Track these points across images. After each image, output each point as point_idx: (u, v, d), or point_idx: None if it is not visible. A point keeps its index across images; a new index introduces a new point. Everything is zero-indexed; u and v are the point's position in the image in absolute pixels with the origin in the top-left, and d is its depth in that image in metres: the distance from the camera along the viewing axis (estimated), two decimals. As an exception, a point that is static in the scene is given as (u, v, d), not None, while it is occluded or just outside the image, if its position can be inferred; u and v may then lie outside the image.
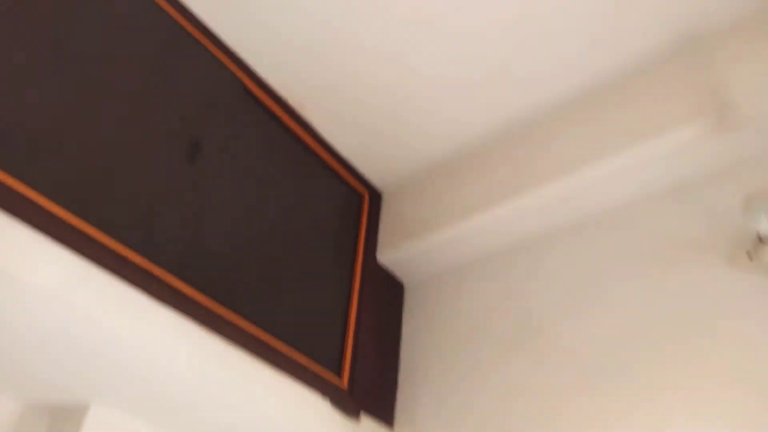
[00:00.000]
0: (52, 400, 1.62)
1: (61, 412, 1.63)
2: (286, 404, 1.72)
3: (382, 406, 2.11)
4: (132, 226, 1.50)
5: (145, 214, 1.56)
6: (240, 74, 2.08)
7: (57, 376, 1.53)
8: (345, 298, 2.20)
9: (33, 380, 1.56)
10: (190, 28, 1.94)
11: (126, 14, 1.75)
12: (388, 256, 2.36)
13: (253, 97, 2.15)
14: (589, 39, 1.95)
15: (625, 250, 1.90)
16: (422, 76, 2.12)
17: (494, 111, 2.21)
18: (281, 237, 2.04)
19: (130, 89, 1.66)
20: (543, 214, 2.07)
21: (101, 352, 1.44)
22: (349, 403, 1.93)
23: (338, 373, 1.98)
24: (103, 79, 1.59)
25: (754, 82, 1.67)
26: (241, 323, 1.68)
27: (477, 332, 2.08)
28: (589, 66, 2.02)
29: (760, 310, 1.55)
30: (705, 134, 1.74)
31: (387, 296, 2.39)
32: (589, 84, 2.07)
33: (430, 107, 2.22)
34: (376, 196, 2.59)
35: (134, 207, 1.54)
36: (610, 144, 1.88)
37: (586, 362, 1.76)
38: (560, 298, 1.95)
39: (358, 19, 1.96)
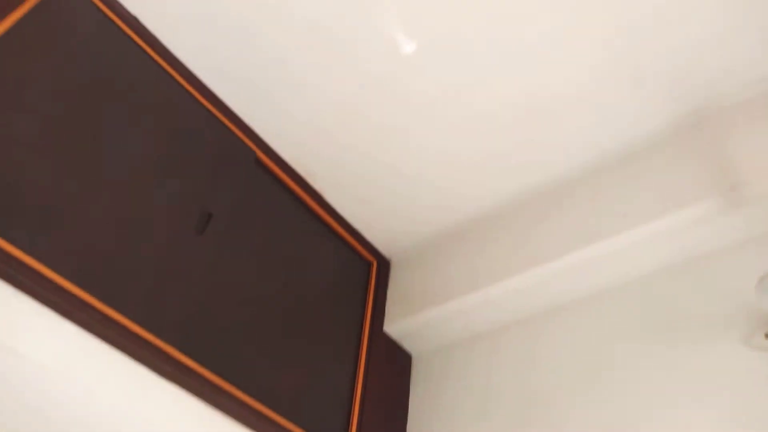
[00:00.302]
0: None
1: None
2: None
3: (388, 486, 2.04)
4: (138, 299, 1.49)
5: (151, 287, 1.55)
6: (252, 146, 2.12)
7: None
8: (351, 370, 2.16)
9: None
10: (204, 101, 2.00)
11: (141, 86, 1.80)
12: (395, 326, 2.32)
13: (264, 168, 2.18)
14: (598, 116, 1.98)
15: (638, 325, 1.85)
16: (430, 152, 2.15)
17: (502, 184, 2.23)
18: (288, 307, 2.02)
19: (143, 161, 1.69)
20: (553, 287, 2.05)
21: (104, 426, 1.41)
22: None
23: (343, 450, 1.92)
24: (116, 150, 1.62)
25: (763, 159, 1.68)
26: (245, 398, 1.65)
27: (486, 406, 2.02)
28: (598, 142, 2.05)
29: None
30: (717, 210, 1.73)
31: (394, 367, 2.33)
32: (598, 160, 2.09)
33: (438, 181, 2.25)
34: (384, 264, 2.58)
35: (141, 279, 1.53)
36: (620, 219, 1.87)
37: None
38: (571, 373, 1.89)
39: (369, 99, 2.02)
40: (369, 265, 2.53)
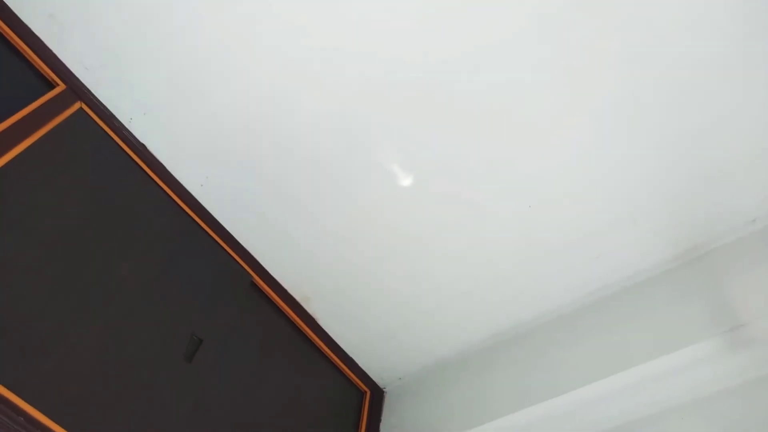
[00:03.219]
0: None
1: None
2: None
3: None
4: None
5: (132, 422, 1.46)
6: (249, 269, 2.10)
7: None
8: None
9: None
10: (203, 224, 2.00)
11: (141, 209, 1.81)
12: (389, 462, 2.19)
13: (259, 291, 2.15)
14: (595, 252, 1.99)
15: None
16: (428, 281, 2.14)
17: (499, 316, 2.21)
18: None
19: (138, 285, 1.65)
20: (552, 426, 1.94)
21: None
22: None
23: None
24: (111, 275, 1.59)
25: (761, 301, 1.66)
26: None
27: None
28: (597, 277, 2.05)
29: None
30: (720, 350, 1.69)
31: None
32: (597, 295, 2.08)
33: (434, 311, 2.21)
34: (378, 395, 2.47)
35: (122, 413, 1.44)
36: (620, 358, 1.81)
37: None
38: None
39: (363, 229, 2.03)
40: (362, 395, 2.43)
